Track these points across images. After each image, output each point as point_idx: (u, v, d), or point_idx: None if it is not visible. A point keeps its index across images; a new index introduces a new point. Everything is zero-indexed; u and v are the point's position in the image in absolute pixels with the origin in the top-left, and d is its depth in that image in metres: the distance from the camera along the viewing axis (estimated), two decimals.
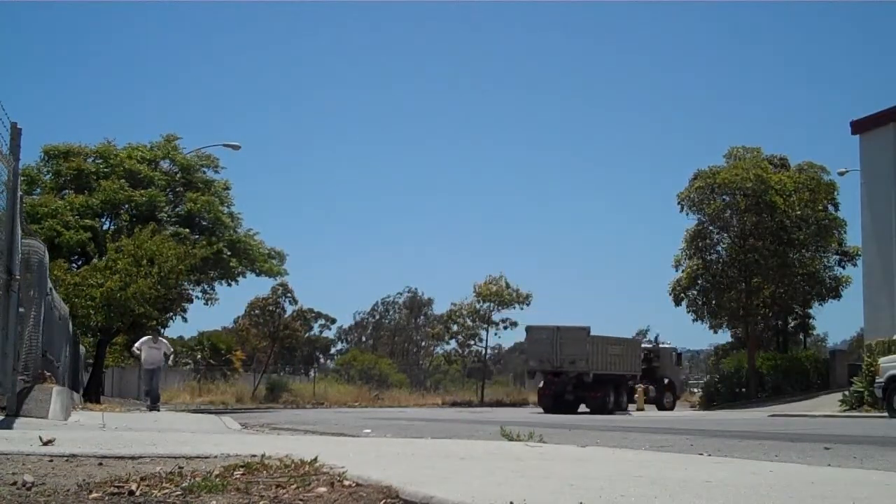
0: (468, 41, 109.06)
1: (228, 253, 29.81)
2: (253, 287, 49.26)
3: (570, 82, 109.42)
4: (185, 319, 35.13)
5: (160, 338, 22.22)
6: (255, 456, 4.81)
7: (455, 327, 47.61)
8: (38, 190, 29.01)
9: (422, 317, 71.48)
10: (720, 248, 36.58)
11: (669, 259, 37.97)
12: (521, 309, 45.04)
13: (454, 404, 41.85)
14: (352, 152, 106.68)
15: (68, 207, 27.10)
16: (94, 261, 26.29)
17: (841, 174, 35.87)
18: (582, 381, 30.00)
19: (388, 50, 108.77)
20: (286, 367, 57.05)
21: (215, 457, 5.04)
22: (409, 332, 72.84)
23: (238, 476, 4.11)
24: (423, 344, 68.63)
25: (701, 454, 7.14)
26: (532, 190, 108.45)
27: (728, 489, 3.83)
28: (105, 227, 28.95)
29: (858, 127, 31.94)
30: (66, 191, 28.81)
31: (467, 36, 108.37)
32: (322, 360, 67.36)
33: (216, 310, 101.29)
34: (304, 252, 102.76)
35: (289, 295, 45.59)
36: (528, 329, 32.21)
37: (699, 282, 36.50)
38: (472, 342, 47.34)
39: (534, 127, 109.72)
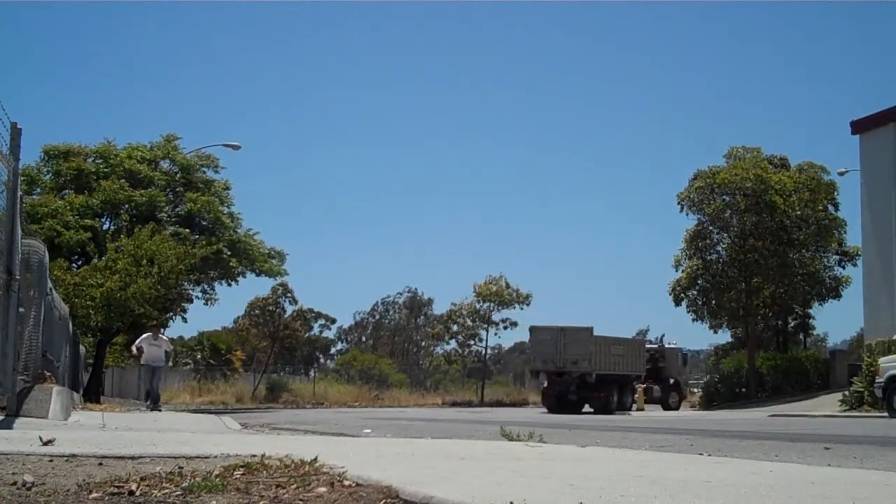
0: (468, 41, 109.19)
1: (228, 253, 29.81)
2: (253, 287, 49.38)
3: (570, 82, 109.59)
4: (185, 319, 35.15)
5: (161, 335, 21.82)
6: (255, 456, 4.81)
7: (455, 327, 47.64)
8: (38, 190, 29.00)
9: (422, 317, 71.49)
10: (720, 248, 36.59)
11: (669, 259, 38.05)
12: (521, 309, 45.14)
13: (454, 404, 41.85)
14: (352, 152, 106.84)
15: (68, 207, 27.09)
16: (94, 261, 26.27)
17: (841, 174, 35.90)
18: (585, 381, 30.15)
19: (388, 50, 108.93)
20: (286, 367, 57.05)
21: (215, 457, 5.04)
22: (409, 332, 72.85)
23: (238, 476, 4.11)
24: (423, 344, 68.64)
25: (701, 454, 7.14)
26: (532, 190, 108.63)
27: (728, 489, 3.83)
28: (105, 227, 28.94)
29: (858, 127, 31.94)
30: (66, 191, 28.80)
31: (467, 36, 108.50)
32: (322, 360, 67.39)
33: (216, 310, 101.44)
34: (304, 252, 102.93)
35: (289, 295, 45.64)
36: (532, 329, 32.30)
37: (699, 282, 36.50)
38: (472, 342, 47.39)
39: (534, 127, 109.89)
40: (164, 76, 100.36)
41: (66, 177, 29.07)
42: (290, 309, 46.90)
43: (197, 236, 29.33)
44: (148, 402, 20.39)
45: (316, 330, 60.53)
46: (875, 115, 31.45)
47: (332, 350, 71.46)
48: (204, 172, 31.51)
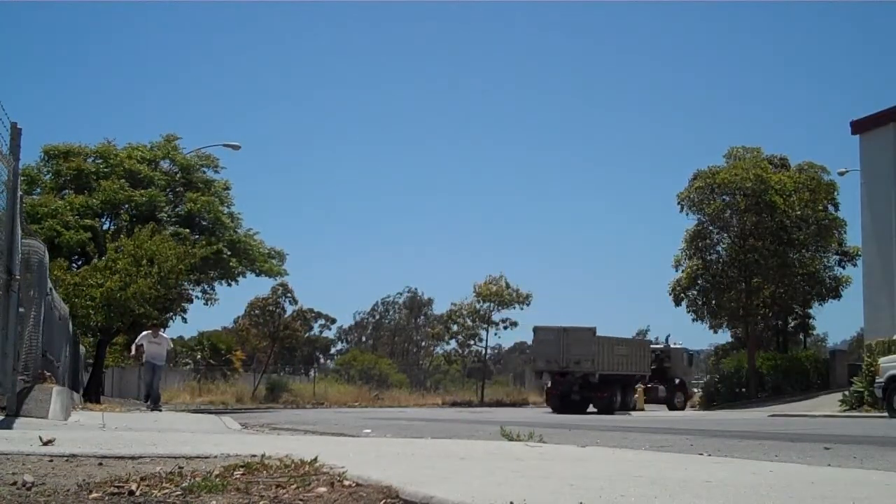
0: (468, 41, 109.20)
1: (228, 253, 29.81)
2: (253, 287, 49.39)
3: (570, 82, 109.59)
4: (184, 319, 35.11)
5: (161, 333, 21.35)
6: (255, 456, 4.81)
7: (455, 327, 47.62)
8: (38, 190, 29.00)
9: (422, 317, 71.51)
10: (720, 248, 36.58)
11: (669, 259, 38.03)
12: (521, 309, 45.14)
13: (454, 404, 41.85)
14: (352, 152, 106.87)
15: (68, 207, 27.10)
16: (94, 261, 26.27)
17: (841, 174, 35.89)
18: (588, 381, 30.33)
19: (388, 50, 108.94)
20: (286, 367, 57.05)
21: (215, 457, 5.04)
22: (409, 332, 72.88)
23: (238, 476, 4.11)
24: (423, 344, 68.65)
25: (701, 454, 7.14)
26: (532, 190, 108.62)
27: (728, 489, 3.83)
28: (105, 227, 28.95)
29: (858, 127, 31.93)
30: (66, 191, 28.80)
31: (467, 36, 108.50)
32: (322, 360, 67.41)
33: (216, 310, 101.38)
34: (304, 252, 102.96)
35: (289, 295, 45.62)
36: (536, 330, 32.40)
37: (699, 282, 36.50)
38: (472, 342, 47.37)
39: (534, 127, 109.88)
40: (164, 76, 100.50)
41: (66, 177, 29.07)
42: (290, 309, 46.93)
43: (197, 236, 29.34)
44: (148, 403, 20.06)
45: (316, 330, 60.64)
46: (875, 115, 31.45)
47: (332, 350, 71.55)
48: (204, 172, 31.52)
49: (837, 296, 37.13)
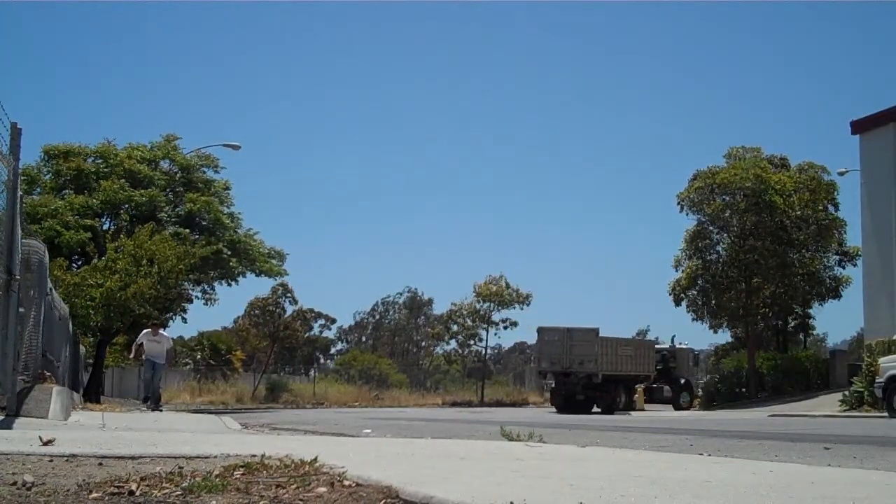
0: (468, 41, 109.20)
1: (228, 253, 29.82)
2: (253, 287, 49.44)
3: (570, 82, 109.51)
4: (184, 319, 35.12)
5: (161, 331, 21.04)
6: (255, 456, 4.82)
7: (455, 327, 47.63)
8: (38, 190, 29.02)
9: (422, 317, 71.51)
10: (720, 249, 36.58)
11: (669, 259, 38.03)
12: (521, 309, 45.14)
13: (454, 404, 41.85)
14: (352, 152, 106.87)
15: (68, 207, 27.11)
16: (94, 261, 26.27)
17: (841, 174, 35.87)
18: (591, 381, 30.50)
19: (388, 50, 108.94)
20: (286, 367, 57.07)
21: (215, 457, 5.04)
22: (409, 332, 72.89)
23: (238, 476, 4.11)
24: (423, 344, 68.65)
25: (701, 454, 7.14)
26: (532, 190, 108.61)
27: (728, 489, 3.83)
28: (105, 227, 28.96)
29: (858, 127, 31.92)
30: (66, 191, 28.81)
31: (467, 36, 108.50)
32: (322, 360, 67.43)
33: (216, 310, 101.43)
34: (304, 252, 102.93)
35: (289, 295, 45.63)
36: (540, 330, 32.58)
37: (699, 282, 36.49)
38: (472, 342, 47.36)
39: (534, 127, 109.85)
40: (164, 76, 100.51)
41: (66, 177, 29.08)
42: (290, 309, 46.93)
43: (197, 236, 29.36)
44: (148, 403, 19.82)
45: (316, 330, 60.64)
46: (875, 115, 31.44)
47: (332, 350, 71.55)
48: (204, 172, 31.54)
49: (837, 296, 37.16)
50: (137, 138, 34.34)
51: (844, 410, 25.34)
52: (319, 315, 58.67)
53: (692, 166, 45.52)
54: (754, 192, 33.92)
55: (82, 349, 25.50)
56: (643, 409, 32.70)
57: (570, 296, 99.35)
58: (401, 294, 73.21)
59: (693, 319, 37.27)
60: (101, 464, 4.66)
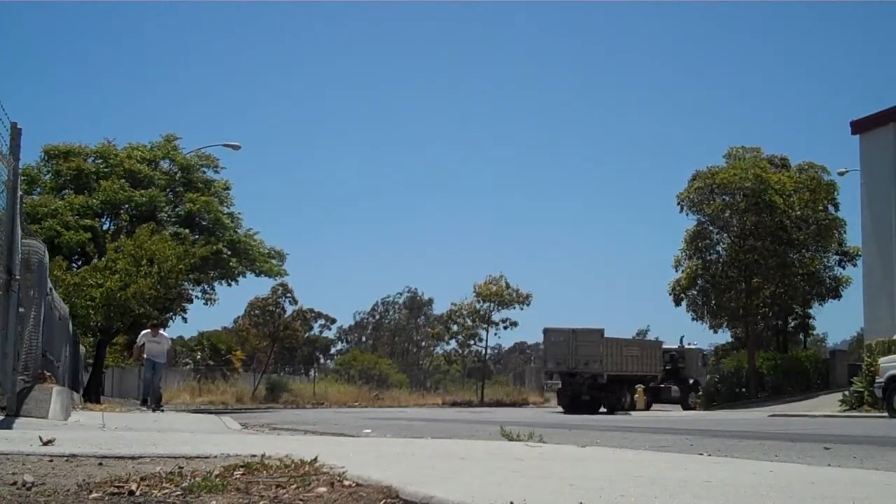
0: (468, 41, 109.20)
1: (228, 253, 29.83)
2: (253, 287, 49.44)
3: (570, 82, 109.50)
4: (185, 319, 35.17)
5: (161, 332, 21.02)
6: (255, 456, 4.82)
7: (455, 327, 47.60)
8: (38, 190, 29.03)
9: (422, 317, 71.51)
10: (720, 249, 36.59)
11: (669, 259, 38.05)
12: (521, 309, 45.10)
13: (454, 404, 41.84)
14: (352, 152, 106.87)
15: (68, 207, 27.11)
16: (94, 261, 26.28)
17: (841, 174, 35.87)
18: (597, 381, 30.71)
19: (388, 50, 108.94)
20: (286, 367, 57.06)
21: (215, 457, 5.04)
22: (409, 332, 72.88)
23: (238, 476, 4.11)
24: (423, 344, 68.64)
25: (701, 454, 7.14)
26: (532, 190, 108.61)
27: (728, 489, 3.83)
28: (105, 227, 28.96)
29: (858, 127, 31.92)
30: (66, 191, 28.82)
31: (467, 36, 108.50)
32: (322, 360, 67.43)
33: (216, 310, 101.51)
34: (304, 252, 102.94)
35: (289, 295, 45.61)
36: (545, 331, 32.76)
37: (699, 282, 36.51)
38: (472, 342, 47.34)
39: (534, 127, 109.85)
40: (164, 76, 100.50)
41: (66, 177, 29.08)
42: (290, 309, 46.91)
43: (197, 236, 29.36)
44: (150, 404, 19.70)
45: (316, 330, 60.65)
46: (875, 115, 31.43)
47: (332, 350, 71.55)
48: (204, 172, 31.54)
49: (837, 296, 37.16)
50: (137, 138, 34.42)
51: (844, 410, 25.33)
52: (319, 315, 58.71)
53: (692, 166, 45.55)
54: (754, 192, 33.93)
55: (82, 349, 25.50)
56: (643, 409, 32.72)
57: (571, 296, 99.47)
58: (401, 294, 73.31)
59: (693, 319, 37.38)
60: (101, 464, 4.66)
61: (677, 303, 37.18)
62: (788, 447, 8.87)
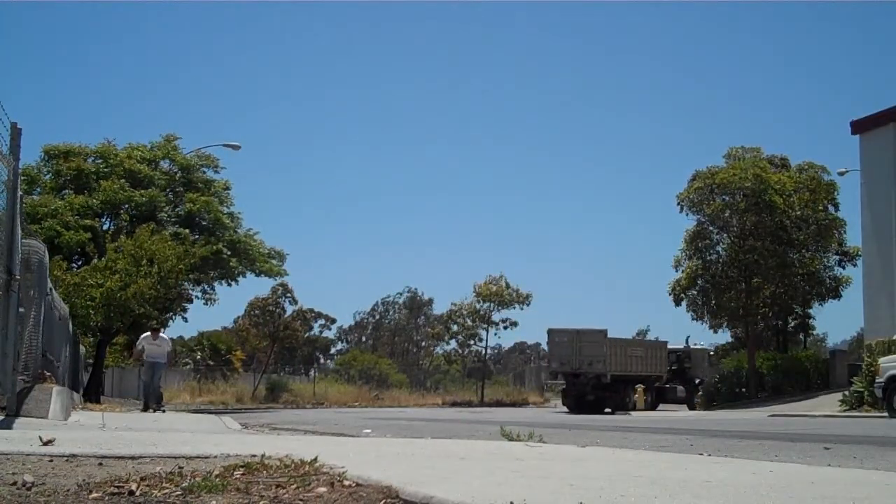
0: (468, 41, 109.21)
1: (228, 253, 29.82)
2: (253, 287, 49.43)
3: (570, 82, 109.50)
4: (185, 319, 35.18)
5: (161, 334, 21.09)
6: (255, 456, 4.82)
7: (455, 327, 47.59)
8: (38, 190, 29.02)
9: (422, 317, 71.51)
10: (720, 249, 36.59)
11: (669, 259, 38.04)
12: (521, 309, 45.10)
13: (454, 404, 41.84)
14: (352, 152, 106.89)
15: (68, 207, 27.11)
16: (94, 261, 26.28)
17: (841, 174, 35.87)
18: (601, 381, 30.84)
19: (388, 50, 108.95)
20: (286, 367, 57.06)
21: (215, 457, 5.04)
22: (409, 332, 72.88)
23: (238, 476, 4.11)
24: (423, 344, 68.64)
25: (701, 454, 7.14)
26: (532, 190, 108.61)
27: (728, 489, 3.83)
28: (105, 227, 28.95)
29: (858, 127, 31.92)
30: (66, 191, 28.81)
31: (467, 36, 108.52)
32: (322, 360, 67.44)
33: (216, 310, 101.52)
34: (304, 252, 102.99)
35: (289, 295, 45.61)
36: (550, 332, 32.88)
37: (699, 282, 36.51)
38: (472, 342, 47.34)
39: (534, 127, 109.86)
40: (164, 76, 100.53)
41: (66, 177, 29.08)
42: (290, 309, 46.91)
43: (197, 236, 29.36)
44: (152, 405, 19.63)
45: (316, 330, 60.66)
46: (875, 115, 31.43)
47: (332, 350, 71.57)
48: (204, 172, 31.54)
49: (837, 296, 37.15)
50: (137, 138, 34.41)
51: (844, 410, 25.33)
52: (319, 315, 58.71)
53: (692, 166, 45.54)
54: (754, 192, 33.92)
55: (82, 349, 25.50)
56: (643, 409, 32.73)
57: (571, 296, 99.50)
58: (401, 294, 73.32)
59: (693, 319, 37.38)
60: (101, 464, 4.66)
61: (677, 303, 37.19)
62: (788, 447, 8.87)
